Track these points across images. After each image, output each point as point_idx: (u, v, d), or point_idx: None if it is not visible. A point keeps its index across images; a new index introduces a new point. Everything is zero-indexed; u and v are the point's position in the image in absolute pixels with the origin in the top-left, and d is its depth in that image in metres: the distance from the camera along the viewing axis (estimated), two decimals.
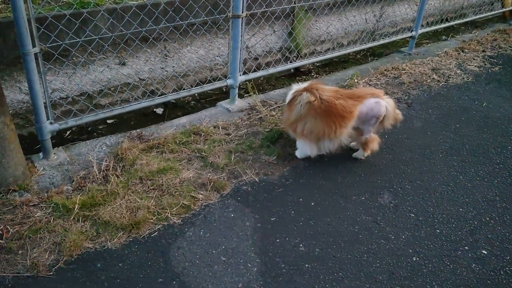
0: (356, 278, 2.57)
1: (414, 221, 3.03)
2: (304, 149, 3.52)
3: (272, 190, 3.23)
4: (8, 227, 2.69)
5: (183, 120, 4.03)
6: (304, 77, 5.76)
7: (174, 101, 5.00)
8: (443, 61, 5.77)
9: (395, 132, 3.95)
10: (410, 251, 2.79)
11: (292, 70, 5.98)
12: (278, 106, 4.29)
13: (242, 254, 2.68)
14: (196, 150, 3.51)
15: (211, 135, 3.73)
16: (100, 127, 4.43)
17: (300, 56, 5.67)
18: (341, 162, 3.60)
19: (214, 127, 3.87)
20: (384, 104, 3.36)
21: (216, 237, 2.80)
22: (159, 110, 4.86)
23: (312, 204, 3.13)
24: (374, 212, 3.09)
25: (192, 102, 5.10)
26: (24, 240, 2.64)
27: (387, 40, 5.87)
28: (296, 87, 3.50)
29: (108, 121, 4.52)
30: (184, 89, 4.22)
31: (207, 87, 4.21)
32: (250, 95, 4.41)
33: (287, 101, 3.47)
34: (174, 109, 4.89)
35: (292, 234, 2.86)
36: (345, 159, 3.64)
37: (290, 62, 5.04)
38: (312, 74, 5.91)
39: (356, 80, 4.97)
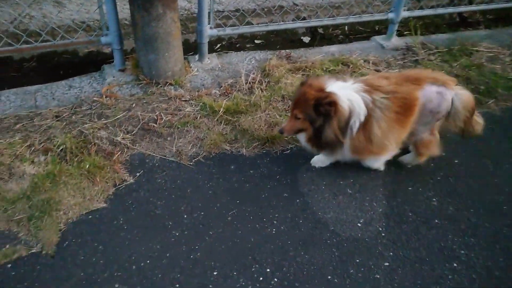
0: (489, 248, 2.34)
1: None
2: (382, 161, 2.70)
3: None
4: (162, 115, 2.97)
5: (333, 48, 3.91)
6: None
7: (322, 31, 4.86)
8: None
9: None
10: None
11: (457, 19, 5.30)
12: (438, 52, 3.88)
13: (369, 192, 2.61)
14: None
15: (359, 68, 3.56)
16: (248, 45, 4.53)
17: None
18: (500, 124, 3.19)
19: (364, 61, 3.68)
20: (450, 98, 2.42)
21: (345, 171, 2.75)
22: (306, 39, 4.77)
23: (456, 161, 2.87)
24: None
25: (340, 36, 4.90)
26: (173, 129, 2.90)
27: None
28: (347, 101, 2.34)
29: (256, 41, 4.59)
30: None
31: (366, 18, 3.97)
32: (410, 34, 4.05)
33: (355, 126, 2.38)
34: (321, 41, 4.75)
35: (427, 187, 2.68)
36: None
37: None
38: (480, 26, 5.14)
39: None
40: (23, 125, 2.82)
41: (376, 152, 2.53)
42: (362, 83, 2.41)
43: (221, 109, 2.99)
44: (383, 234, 2.38)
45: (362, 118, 2.34)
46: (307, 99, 2.32)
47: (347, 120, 2.34)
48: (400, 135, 2.47)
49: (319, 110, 2.31)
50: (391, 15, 3.90)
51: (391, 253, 2.28)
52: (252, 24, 4.37)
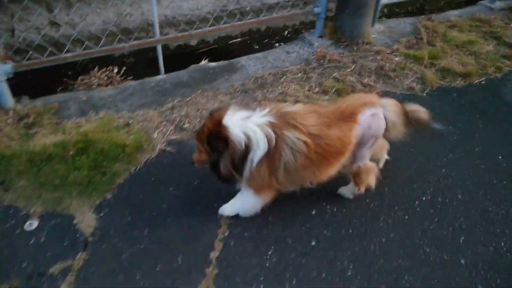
0: None
1: None
2: (256, 205, 2.39)
3: None
4: (384, 63, 3.73)
5: (455, 12, 4.83)
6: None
7: None
8: None
9: None
10: None
11: None
12: None
13: None
14: (488, 32, 4.33)
15: (498, 28, 4.48)
16: None
17: None
18: None
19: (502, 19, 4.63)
20: (382, 115, 2.29)
21: None
22: None
23: None
24: None
25: None
26: (396, 72, 3.67)
27: None
28: (252, 124, 2.12)
29: None
30: None
31: None
32: None
33: (254, 161, 2.13)
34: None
35: None
36: None
37: None
38: None
39: None
40: (278, 78, 3.50)
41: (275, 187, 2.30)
42: (279, 116, 2.16)
43: (426, 56, 3.81)
44: None
45: (261, 154, 2.11)
46: (204, 132, 2.16)
47: (242, 155, 2.11)
48: (316, 177, 2.32)
49: (212, 144, 2.15)
50: None
51: None
52: None
